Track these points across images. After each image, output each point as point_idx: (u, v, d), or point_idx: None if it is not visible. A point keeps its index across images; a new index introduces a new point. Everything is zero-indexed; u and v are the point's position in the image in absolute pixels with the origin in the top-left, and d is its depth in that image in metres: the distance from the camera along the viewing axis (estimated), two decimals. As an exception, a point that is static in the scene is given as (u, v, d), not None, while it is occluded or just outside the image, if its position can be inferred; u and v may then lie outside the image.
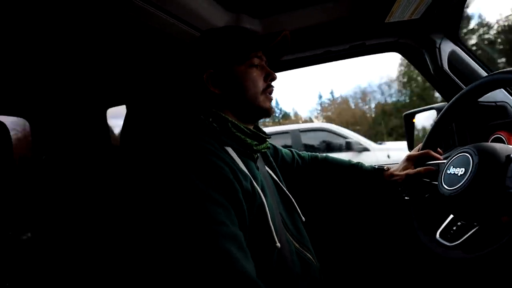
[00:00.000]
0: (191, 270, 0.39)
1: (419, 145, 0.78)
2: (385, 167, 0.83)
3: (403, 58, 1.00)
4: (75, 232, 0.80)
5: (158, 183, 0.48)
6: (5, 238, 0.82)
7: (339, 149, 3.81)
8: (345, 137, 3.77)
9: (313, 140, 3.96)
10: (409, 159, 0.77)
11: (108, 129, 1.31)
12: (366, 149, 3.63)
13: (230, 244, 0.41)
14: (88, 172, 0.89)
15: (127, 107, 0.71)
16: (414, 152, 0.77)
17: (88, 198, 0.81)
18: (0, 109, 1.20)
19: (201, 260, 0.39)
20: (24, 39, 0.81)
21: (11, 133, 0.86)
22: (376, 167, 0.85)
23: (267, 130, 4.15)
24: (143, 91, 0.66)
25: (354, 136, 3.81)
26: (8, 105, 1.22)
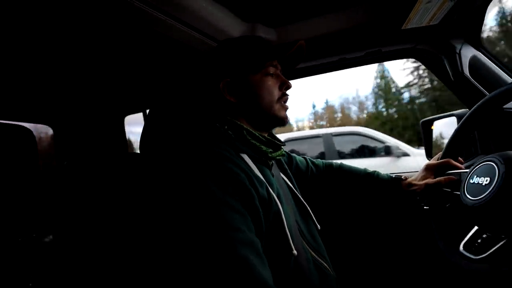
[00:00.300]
0: (208, 277, 0.40)
1: (439, 154, 0.76)
2: (402, 177, 0.81)
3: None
4: (94, 236, 0.83)
5: (175, 190, 0.49)
6: (29, 239, 0.86)
7: (376, 153, 3.62)
8: (381, 141, 3.55)
9: (347, 144, 3.76)
10: (428, 168, 0.74)
11: (125, 136, 1.36)
12: (406, 154, 3.39)
13: (247, 250, 0.41)
14: (106, 177, 0.92)
15: (145, 115, 0.74)
16: (433, 161, 0.75)
17: (108, 203, 0.83)
18: (26, 116, 1.26)
19: (217, 267, 0.39)
20: (48, 49, 0.86)
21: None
22: (394, 176, 0.82)
23: (299, 134, 4.05)
24: (161, 99, 0.68)
25: (391, 140, 3.57)
26: (34, 112, 1.28)
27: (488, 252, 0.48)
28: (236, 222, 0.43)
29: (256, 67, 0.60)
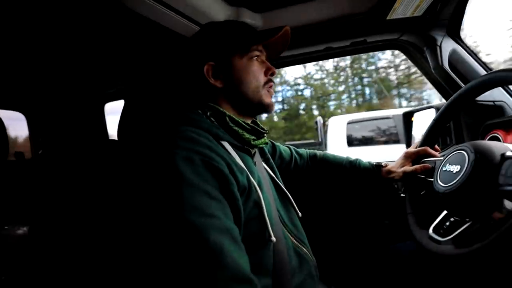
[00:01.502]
0: (182, 263, 0.39)
1: (417, 142, 0.79)
2: (382, 164, 0.84)
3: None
4: (72, 226, 0.80)
5: (151, 177, 0.48)
6: (1, 232, 0.82)
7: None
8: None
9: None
10: (406, 156, 0.77)
11: (105, 123, 1.30)
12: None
13: (223, 237, 0.41)
14: (85, 166, 0.89)
15: (125, 101, 0.70)
16: (411, 149, 0.78)
17: (86, 193, 0.80)
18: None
19: (191, 253, 0.39)
20: (21, 33, 0.80)
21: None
22: (374, 163, 0.85)
23: (366, 115, 3.99)
24: (141, 85, 0.66)
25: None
26: (3, 98, 1.20)
27: (454, 234, 0.52)
28: (212, 208, 0.43)
29: (242, 49, 0.59)
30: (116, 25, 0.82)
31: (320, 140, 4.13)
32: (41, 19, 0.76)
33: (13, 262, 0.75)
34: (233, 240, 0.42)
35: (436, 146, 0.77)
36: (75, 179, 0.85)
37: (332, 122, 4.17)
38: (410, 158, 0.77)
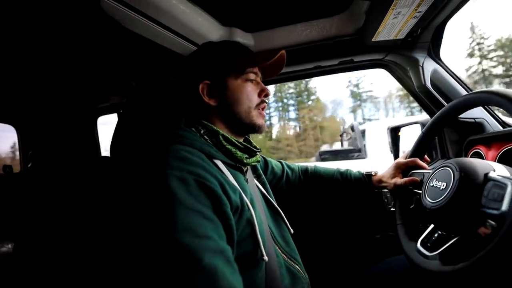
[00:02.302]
0: (177, 285, 0.38)
1: (407, 152, 0.81)
2: (372, 172, 0.86)
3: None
4: (58, 244, 0.78)
5: (142, 195, 0.47)
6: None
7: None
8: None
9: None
10: (397, 166, 0.79)
11: (97, 138, 1.29)
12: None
13: (217, 258, 0.40)
14: (75, 182, 0.87)
15: (118, 117, 0.71)
16: (402, 159, 0.80)
17: (74, 209, 0.79)
18: (-16, 115, 1.16)
19: (185, 275, 0.38)
20: (14, 46, 0.81)
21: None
22: (364, 173, 0.87)
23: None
24: (135, 101, 0.67)
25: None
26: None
27: (441, 249, 0.53)
28: (205, 229, 0.42)
29: (238, 72, 0.60)
30: (111, 41, 0.84)
31: (359, 147, 4.00)
32: (35, 32, 0.77)
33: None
34: (227, 261, 0.42)
35: (426, 157, 0.79)
36: (64, 194, 0.84)
37: (370, 128, 4.00)
38: (400, 168, 0.79)
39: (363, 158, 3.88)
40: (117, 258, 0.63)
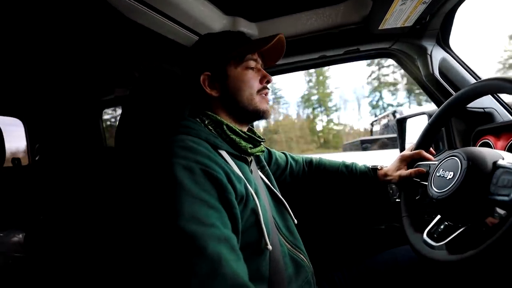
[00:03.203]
0: (181, 273, 0.39)
1: (412, 145, 0.80)
2: (378, 167, 0.85)
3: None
4: (68, 233, 0.80)
5: (149, 185, 0.48)
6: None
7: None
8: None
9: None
10: (402, 159, 0.78)
11: (101, 130, 1.30)
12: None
13: (221, 246, 0.41)
14: (83, 172, 0.89)
15: (122, 108, 0.71)
16: (407, 152, 0.79)
17: (82, 199, 0.80)
18: (-8, 108, 1.18)
19: (190, 262, 0.39)
20: (20, 41, 0.81)
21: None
22: (370, 167, 0.86)
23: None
24: (139, 92, 0.67)
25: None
26: (2, 105, 1.20)
27: (447, 239, 0.52)
28: (211, 218, 0.43)
29: (236, 59, 0.60)
30: (115, 33, 0.84)
31: (400, 141, 3.93)
32: (40, 27, 0.77)
33: (8, 268, 0.75)
34: (232, 249, 0.42)
35: (431, 149, 0.78)
36: (72, 185, 0.85)
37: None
38: (405, 161, 0.78)
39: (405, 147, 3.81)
40: (125, 247, 0.64)
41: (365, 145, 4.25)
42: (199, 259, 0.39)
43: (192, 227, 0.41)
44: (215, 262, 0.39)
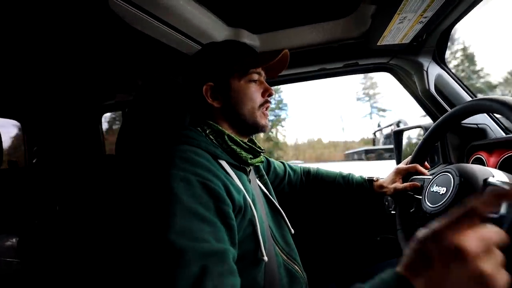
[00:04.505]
0: (165, 285, 0.38)
1: (408, 158, 0.82)
2: (374, 178, 0.86)
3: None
4: (61, 239, 0.79)
5: (144, 194, 0.48)
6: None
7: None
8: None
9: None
10: (397, 172, 0.80)
11: (102, 135, 1.30)
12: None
13: (208, 261, 0.40)
14: (80, 176, 0.89)
15: (123, 115, 0.72)
16: (402, 165, 0.81)
17: (77, 205, 0.80)
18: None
19: (174, 276, 0.38)
20: (20, 42, 0.81)
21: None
22: (366, 178, 0.88)
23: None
24: (141, 100, 0.67)
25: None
26: (1, 106, 1.20)
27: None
28: (202, 232, 0.42)
29: (241, 72, 0.60)
30: (117, 40, 0.85)
31: (397, 153, 3.81)
32: (41, 30, 0.78)
33: (1, 273, 0.74)
34: (222, 263, 0.41)
35: (426, 164, 0.80)
36: (69, 190, 0.85)
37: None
38: (401, 174, 0.79)
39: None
40: (118, 254, 0.64)
41: (369, 154, 4.25)
42: (184, 273, 0.38)
43: (181, 241, 0.40)
44: (198, 277, 0.38)
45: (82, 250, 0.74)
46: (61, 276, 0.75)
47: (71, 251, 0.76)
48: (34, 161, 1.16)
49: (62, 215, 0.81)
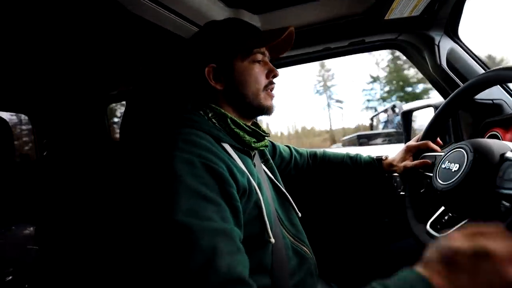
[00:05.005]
0: (175, 265, 0.39)
1: (419, 135, 0.79)
2: (383, 157, 0.84)
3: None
4: (75, 226, 0.82)
5: (149, 176, 0.48)
6: (8, 232, 0.84)
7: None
8: None
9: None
10: (407, 149, 0.78)
11: (108, 125, 1.32)
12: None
13: (217, 239, 0.40)
14: (89, 167, 0.90)
15: (126, 103, 0.72)
16: (412, 142, 0.78)
17: (89, 192, 0.82)
18: (0, 105, 1.20)
19: (184, 255, 0.39)
20: (25, 36, 0.81)
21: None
22: (375, 157, 0.86)
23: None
24: (143, 87, 0.67)
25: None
26: (9, 101, 1.22)
27: (450, 231, 0.52)
28: (208, 211, 0.42)
29: (244, 53, 0.59)
30: (118, 28, 0.83)
31: (400, 129, 3.68)
32: (44, 22, 0.77)
33: (21, 260, 0.77)
34: (229, 242, 0.42)
35: (438, 140, 0.76)
36: (79, 179, 0.87)
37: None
38: (411, 151, 0.77)
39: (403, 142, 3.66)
40: (127, 239, 0.66)
41: (362, 140, 4.14)
42: (193, 252, 0.38)
43: (188, 220, 0.40)
44: (209, 255, 0.38)
45: (95, 236, 0.76)
46: (78, 261, 0.78)
47: (85, 237, 0.79)
48: (44, 153, 1.19)
49: (74, 204, 0.83)
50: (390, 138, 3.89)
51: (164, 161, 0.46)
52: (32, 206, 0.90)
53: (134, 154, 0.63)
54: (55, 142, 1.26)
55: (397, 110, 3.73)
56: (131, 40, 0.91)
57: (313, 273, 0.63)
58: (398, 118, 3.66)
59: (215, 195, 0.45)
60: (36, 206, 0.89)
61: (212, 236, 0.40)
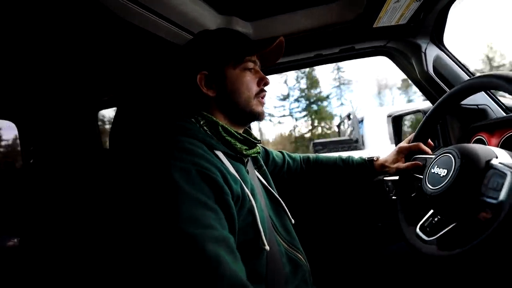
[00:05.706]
0: (180, 275, 0.39)
1: (410, 136, 0.81)
2: (374, 158, 0.86)
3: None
4: (63, 237, 0.79)
5: (145, 187, 0.48)
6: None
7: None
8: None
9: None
10: (399, 151, 0.79)
11: (98, 132, 1.29)
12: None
13: (220, 247, 0.40)
14: (78, 174, 0.88)
15: (117, 109, 0.71)
16: (404, 144, 0.79)
17: (77, 203, 0.80)
18: (-16, 111, 1.16)
19: (189, 264, 0.39)
20: (13, 41, 0.80)
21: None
22: (366, 158, 0.87)
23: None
24: (134, 94, 0.66)
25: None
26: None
27: (438, 234, 0.53)
28: (208, 219, 0.43)
29: (236, 61, 0.59)
30: (109, 33, 0.83)
31: (355, 137, 3.64)
32: (34, 27, 0.76)
33: (4, 274, 0.74)
34: (229, 250, 0.42)
35: (430, 141, 0.78)
36: (67, 189, 0.84)
37: (368, 115, 3.59)
38: (403, 153, 0.78)
39: (360, 149, 3.71)
40: (121, 250, 0.64)
41: (317, 147, 4.21)
42: (198, 260, 0.39)
43: (191, 229, 0.40)
44: (214, 263, 0.39)
45: (84, 246, 0.74)
46: (63, 273, 0.75)
47: (73, 248, 0.76)
48: (31, 161, 1.15)
49: (62, 214, 0.81)
50: (346, 145, 3.97)
51: (161, 170, 0.46)
52: (18, 217, 0.86)
53: (127, 162, 0.62)
54: (43, 149, 1.22)
55: (351, 117, 3.83)
56: (123, 46, 0.91)
57: (307, 281, 0.62)
58: (362, 125, 3.74)
59: (212, 202, 0.45)
60: (22, 216, 0.86)
61: (215, 244, 0.40)
